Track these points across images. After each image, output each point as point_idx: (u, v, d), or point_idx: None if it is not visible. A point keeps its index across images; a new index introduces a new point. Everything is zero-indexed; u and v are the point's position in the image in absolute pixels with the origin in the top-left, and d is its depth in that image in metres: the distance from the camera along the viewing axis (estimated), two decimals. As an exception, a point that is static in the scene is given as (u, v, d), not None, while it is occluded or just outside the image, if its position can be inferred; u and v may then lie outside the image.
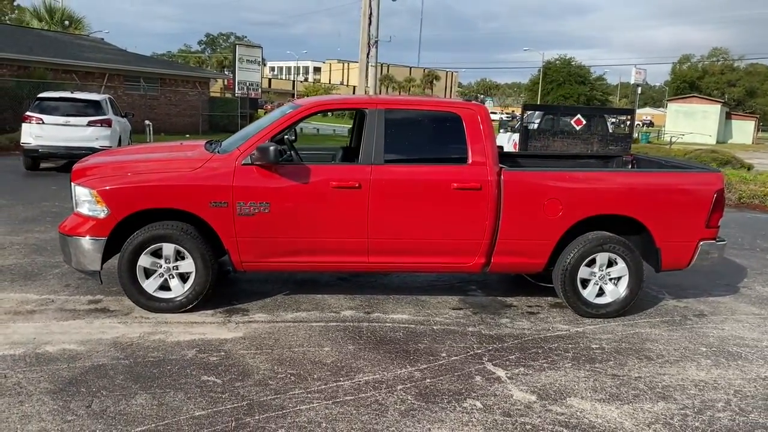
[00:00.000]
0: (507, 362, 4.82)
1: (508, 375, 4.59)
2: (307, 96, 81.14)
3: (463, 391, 4.30)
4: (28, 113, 14.65)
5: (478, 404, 4.12)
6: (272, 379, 4.35)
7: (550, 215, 5.72)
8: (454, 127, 5.84)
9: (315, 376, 4.42)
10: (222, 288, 6.27)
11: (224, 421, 3.76)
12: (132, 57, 32.03)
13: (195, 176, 5.49)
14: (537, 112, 16.71)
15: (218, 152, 5.82)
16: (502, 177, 5.70)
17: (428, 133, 6.04)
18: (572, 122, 11.61)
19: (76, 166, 5.88)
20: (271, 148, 5.38)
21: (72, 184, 5.68)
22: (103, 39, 39.01)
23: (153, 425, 3.67)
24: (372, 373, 4.52)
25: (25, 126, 14.39)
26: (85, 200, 5.53)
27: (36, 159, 14.67)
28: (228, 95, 39.46)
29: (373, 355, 4.84)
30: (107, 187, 5.44)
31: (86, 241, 5.50)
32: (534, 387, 4.42)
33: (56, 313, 5.48)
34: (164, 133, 25.71)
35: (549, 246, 5.82)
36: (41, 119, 14.33)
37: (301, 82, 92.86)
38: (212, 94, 37.15)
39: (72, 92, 16.17)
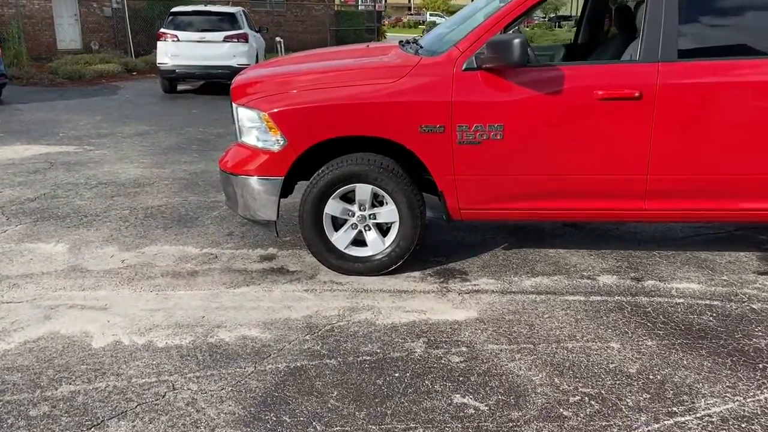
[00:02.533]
0: None
1: None
2: (425, 8, 77.08)
3: None
4: (162, 30, 13.70)
5: None
6: (563, 405, 2.78)
7: None
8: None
9: (628, 402, 2.81)
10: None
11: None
12: (256, -29, 30.73)
13: (398, 89, 3.87)
14: None
15: (423, 54, 4.15)
16: None
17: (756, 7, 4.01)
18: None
19: (236, 81, 4.45)
20: (516, 41, 3.62)
21: (233, 105, 4.26)
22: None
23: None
24: (719, 396, 2.84)
25: (160, 45, 13.47)
26: (253, 126, 4.11)
27: (173, 81, 13.79)
28: (349, 8, 37.53)
29: (697, 361, 3.15)
30: (283, 108, 3.97)
31: (256, 182, 4.11)
32: None
33: (223, 275, 4.21)
34: (292, 52, 24.46)
35: None
36: (176, 36, 13.33)
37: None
38: (335, 8, 35.43)
39: (205, 5, 15.03)
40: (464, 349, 3.26)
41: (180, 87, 14.43)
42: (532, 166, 3.91)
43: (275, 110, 3.97)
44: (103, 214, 5.48)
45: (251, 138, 4.16)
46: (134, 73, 17.68)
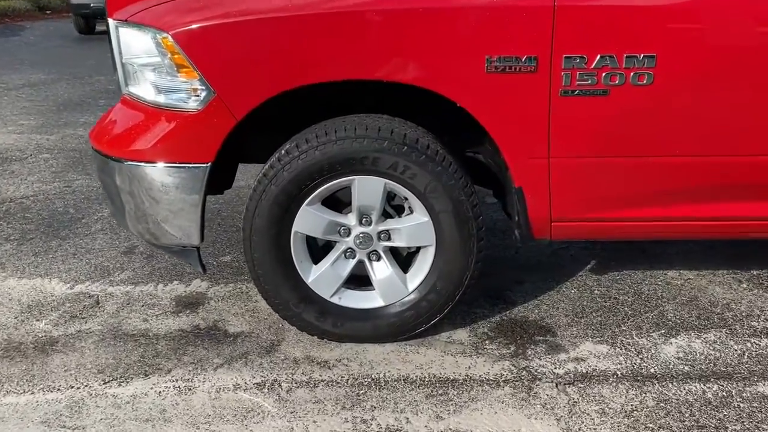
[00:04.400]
0: None
1: None
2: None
3: None
4: (72, -45, 11.13)
5: None
6: None
7: None
8: None
9: None
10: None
11: None
12: None
13: (438, -16, 1.88)
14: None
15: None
16: None
17: None
18: None
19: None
20: None
21: (109, 23, 2.17)
22: None
23: None
24: None
25: (70, -26, 10.93)
26: (147, 64, 2.07)
27: (88, 19, 11.31)
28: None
29: None
30: (203, 24, 1.94)
31: (159, 173, 2.09)
32: None
33: (101, 349, 2.24)
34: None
35: None
36: (89, -38, 10.81)
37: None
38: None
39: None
40: None
41: (99, 28, 11.90)
42: (707, 139, 2.00)
43: (186, 28, 1.94)
44: None
45: (145, 87, 2.12)
46: (47, 12, 14.97)
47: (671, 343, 2.28)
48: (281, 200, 2.05)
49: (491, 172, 2.43)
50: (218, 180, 2.39)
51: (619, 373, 2.10)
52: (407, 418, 1.88)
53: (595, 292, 2.63)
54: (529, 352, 2.21)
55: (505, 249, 3.02)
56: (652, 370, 2.11)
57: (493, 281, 2.68)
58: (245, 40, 1.93)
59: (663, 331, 2.34)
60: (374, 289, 2.22)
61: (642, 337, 2.31)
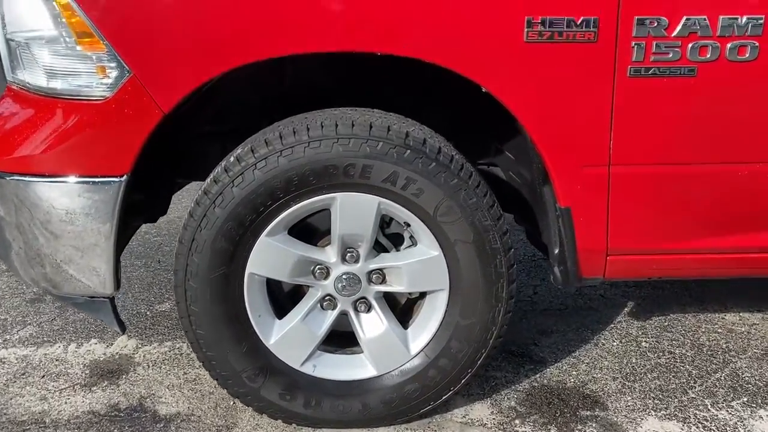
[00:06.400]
0: None
1: None
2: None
3: None
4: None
5: None
6: None
7: None
8: None
9: None
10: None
11: None
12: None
13: None
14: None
15: None
16: None
17: None
18: None
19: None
20: None
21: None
22: None
23: None
24: None
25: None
26: (37, 37, 1.43)
27: None
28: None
29: None
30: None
31: (59, 192, 1.45)
32: None
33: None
34: None
35: None
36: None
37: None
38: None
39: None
40: None
41: None
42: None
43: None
44: None
45: (34, 69, 1.47)
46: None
47: (760, 416, 1.69)
48: (230, 229, 1.42)
49: (513, 190, 1.84)
50: (148, 202, 1.76)
51: (707, 466, 1.50)
52: None
53: (643, 344, 2.04)
54: (579, 440, 1.60)
55: (521, 287, 2.42)
56: (751, 461, 1.52)
57: (511, 332, 2.06)
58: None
59: (745, 399, 1.76)
60: (362, 352, 1.59)
61: (721, 409, 1.72)
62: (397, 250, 1.57)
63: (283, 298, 1.62)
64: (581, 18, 1.31)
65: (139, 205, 1.72)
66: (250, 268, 1.47)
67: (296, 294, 1.60)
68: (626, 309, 2.26)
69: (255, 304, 1.51)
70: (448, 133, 1.60)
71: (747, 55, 1.35)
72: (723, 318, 2.20)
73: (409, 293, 1.59)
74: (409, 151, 1.41)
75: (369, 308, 1.56)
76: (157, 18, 1.33)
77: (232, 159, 1.43)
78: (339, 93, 1.63)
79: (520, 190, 1.79)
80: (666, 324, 2.16)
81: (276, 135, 1.41)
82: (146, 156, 1.44)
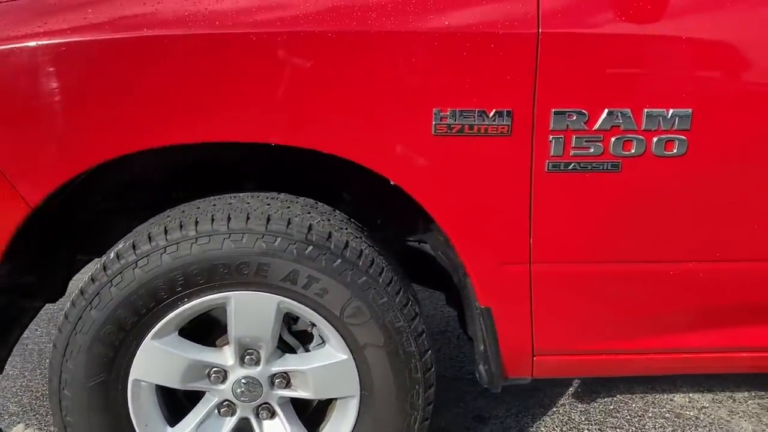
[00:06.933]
0: None
1: None
2: None
3: None
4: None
5: None
6: None
7: None
8: None
9: None
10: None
11: None
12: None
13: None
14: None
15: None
16: None
17: None
18: None
19: None
20: None
21: None
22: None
23: None
24: None
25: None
26: None
27: None
28: None
29: None
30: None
31: None
32: None
33: None
34: None
35: None
36: None
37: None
38: None
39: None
40: None
41: None
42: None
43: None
44: None
45: None
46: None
47: None
48: (108, 334, 1.27)
49: (443, 270, 1.71)
50: (43, 282, 1.60)
51: None
52: None
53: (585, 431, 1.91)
54: None
55: (457, 363, 2.29)
56: None
57: (446, 417, 1.92)
58: (28, 68, 1.17)
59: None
60: (265, 465, 1.43)
61: None
62: (306, 350, 1.43)
63: (181, 395, 1.47)
64: (493, 110, 1.19)
65: (34, 287, 1.57)
66: (134, 375, 1.32)
67: (194, 396, 1.45)
68: (571, 389, 2.13)
69: (141, 412, 1.36)
70: (374, 206, 1.48)
71: (675, 150, 1.24)
72: (672, 400, 2.08)
73: (318, 401, 1.45)
74: (311, 247, 1.28)
75: (272, 414, 1.41)
76: (17, 112, 1.19)
77: (111, 256, 1.28)
78: (254, 166, 1.51)
79: (451, 275, 1.66)
80: (612, 407, 2.04)
81: (160, 228, 1.27)
82: (36, 237, 1.30)
